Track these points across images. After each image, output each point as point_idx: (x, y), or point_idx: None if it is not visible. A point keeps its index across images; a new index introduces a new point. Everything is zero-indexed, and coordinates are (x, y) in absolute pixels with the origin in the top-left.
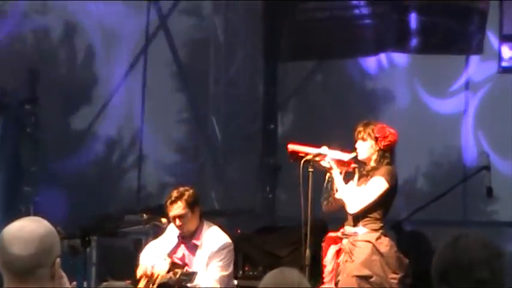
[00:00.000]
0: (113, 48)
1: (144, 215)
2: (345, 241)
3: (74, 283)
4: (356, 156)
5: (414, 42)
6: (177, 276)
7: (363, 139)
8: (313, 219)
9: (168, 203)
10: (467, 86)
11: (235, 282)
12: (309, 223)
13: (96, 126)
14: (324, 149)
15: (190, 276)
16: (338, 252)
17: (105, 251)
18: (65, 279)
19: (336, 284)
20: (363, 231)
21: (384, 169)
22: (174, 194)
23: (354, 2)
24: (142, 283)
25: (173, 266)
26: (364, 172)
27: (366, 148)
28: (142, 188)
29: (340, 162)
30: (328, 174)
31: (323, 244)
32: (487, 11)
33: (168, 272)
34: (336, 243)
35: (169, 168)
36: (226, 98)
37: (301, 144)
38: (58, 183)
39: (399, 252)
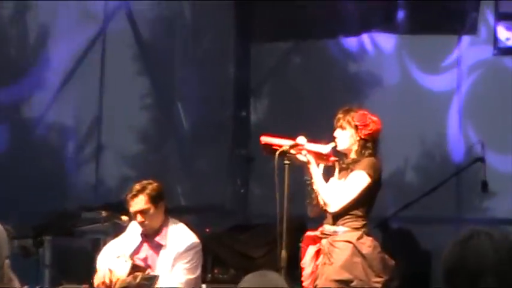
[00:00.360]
0: (67, 28)
1: (103, 212)
2: (324, 241)
3: (26, 287)
4: (335, 147)
5: (402, 21)
6: (137, 280)
7: (342, 127)
8: (289, 216)
9: (129, 197)
10: (459, 68)
11: (204, 286)
12: (285, 221)
13: (49, 114)
14: (300, 139)
15: (152, 280)
16: (317, 253)
17: (59, 252)
18: (16, 282)
19: None
20: (343, 230)
21: (365, 161)
22: (136, 187)
23: None
24: None
25: (134, 268)
26: (344, 165)
27: (345, 137)
28: (100, 182)
29: (318, 155)
30: (306, 177)
31: (301, 244)
32: None
33: (129, 275)
34: (315, 243)
35: (130, 160)
36: (193, 82)
37: (276, 136)
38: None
39: (384, 253)
